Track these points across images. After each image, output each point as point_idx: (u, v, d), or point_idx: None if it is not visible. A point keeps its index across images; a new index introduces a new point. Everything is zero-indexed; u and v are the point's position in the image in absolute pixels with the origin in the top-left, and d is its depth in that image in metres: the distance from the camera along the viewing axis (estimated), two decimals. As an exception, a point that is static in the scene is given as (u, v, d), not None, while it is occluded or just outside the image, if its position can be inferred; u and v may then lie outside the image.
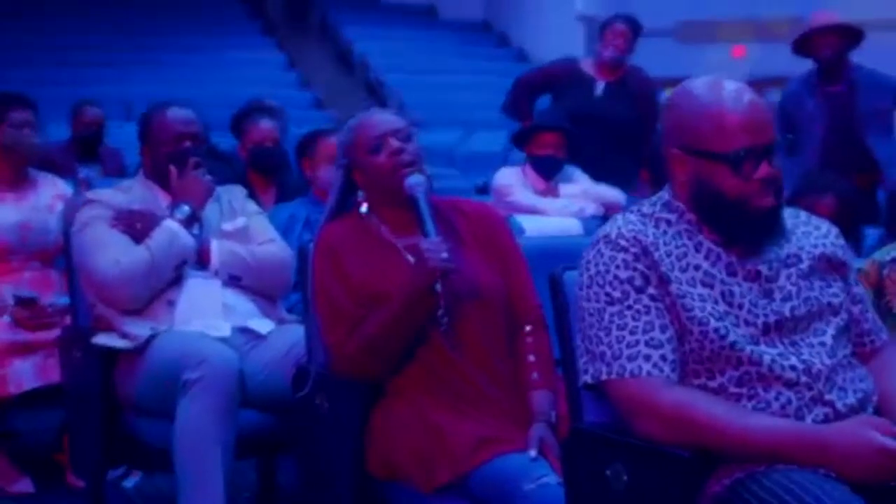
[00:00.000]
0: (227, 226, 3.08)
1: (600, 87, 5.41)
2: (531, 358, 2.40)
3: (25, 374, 3.33)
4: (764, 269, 1.94)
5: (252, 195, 3.53)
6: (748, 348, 1.87)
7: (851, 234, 2.13)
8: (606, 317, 1.91)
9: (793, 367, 1.87)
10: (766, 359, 1.87)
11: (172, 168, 3.04)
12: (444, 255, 2.29)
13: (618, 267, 1.92)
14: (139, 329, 2.85)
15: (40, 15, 12.93)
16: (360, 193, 2.51)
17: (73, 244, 3.02)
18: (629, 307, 1.90)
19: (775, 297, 1.93)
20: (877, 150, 4.90)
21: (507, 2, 16.12)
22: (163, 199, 3.07)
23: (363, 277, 2.38)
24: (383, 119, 2.51)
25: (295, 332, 2.81)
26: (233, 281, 2.97)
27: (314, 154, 3.92)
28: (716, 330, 1.87)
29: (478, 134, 10.11)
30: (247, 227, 3.11)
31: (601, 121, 5.28)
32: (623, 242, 1.93)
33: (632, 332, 1.89)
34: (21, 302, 3.44)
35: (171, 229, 2.94)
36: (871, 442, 1.72)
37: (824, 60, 4.92)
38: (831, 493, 1.68)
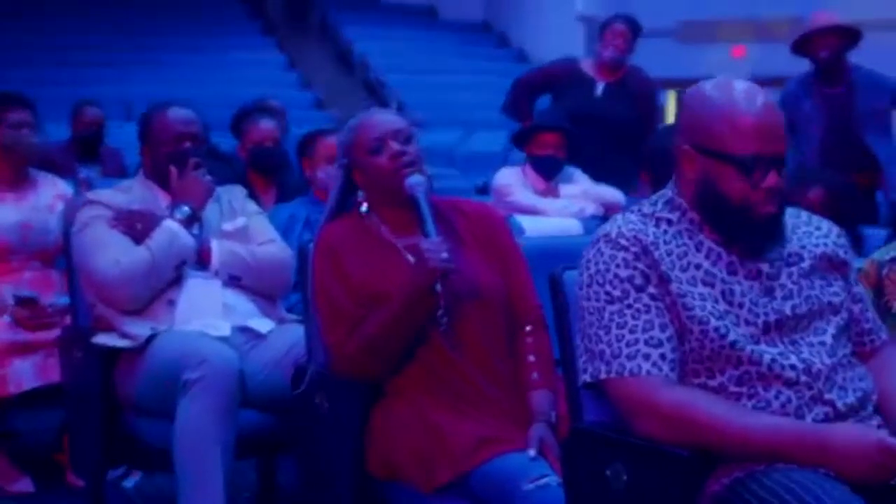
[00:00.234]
0: (228, 226, 3.08)
1: (600, 87, 5.41)
2: (531, 358, 2.40)
3: (25, 373, 3.33)
4: (765, 267, 1.94)
5: (252, 195, 3.53)
6: (748, 348, 1.87)
7: (844, 227, 2.12)
8: (606, 315, 1.91)
9: (793, 367, 1.87)
10: (766, 358, 1.87)
11: (172, 168, 3.04)
12: (445, 255, 2.29)
13: (618, 266, 1.92)
14: (139, 329, 2.85)
15: (40, 15, 12.93)
16: (361, 193, 2.51)
17: (74, 244, 3.02)
18: (629, 306, 1.90)
19: (776, 296, 1.93)
20: (875, 150, 4.89)
21: (507, 2, 16.12)
22: (163, 200, 3.07)
23: (363, 277, 2.39)
24: (384, 119, 2.51)
25: (295, 332, 2.81)
26: (233, 281, 2.97)
27: (313, 154, 3.92)
28: (716, 329, 1.87)
29: (478, 134, 10.11)
30: (247, 227, 3.11)
31: (601, 121, 5.28)
32: (623, 241, 1.93)
33: (631, 331, 1.89)
34: (21, 302, 3.44)
35: (172, 229, 2.94)
36: (871, 441, 1.73)
37: (823, 61, 4.93)
38: (831, 493, 1.68)
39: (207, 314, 2.91)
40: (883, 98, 4.96)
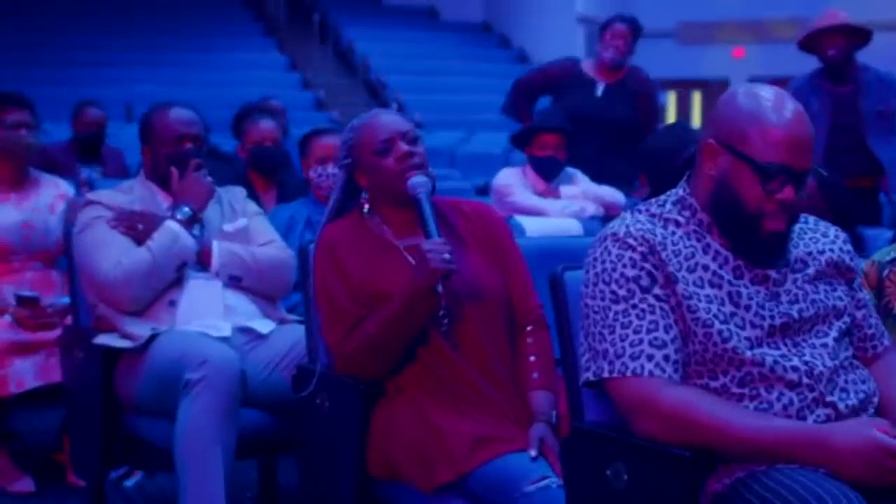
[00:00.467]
0: (228, 227, 3.08)
1: (601, 88, 5.41)
2: (532, 358, 2.40)
3: (26, 373, 3.33)
4: (772, 273, 1.94)
5: (253, 196, 3.53)
6: (749, 353, 1.87)
7: (838, 224, 2.12)
8: (611, 315, 1.91)
9: (795, 369, 1.88)
10: (769, 360, 1.87)
11: (173, 169, 3.04)
12: (447, 255, 2.29)
13: (625, 265, 1.92)
14: (140, 329, 2.85)
15: (42, 15, 12.94)
16: (364, 194, 2.51)
17: (75, 245, 3.02)
18: (634, 306, 1.90)
19: (782, 300, 1.93)
20: (879, 152, 4.87)
21: (508, 3, 16.14)
22: (163, 200, 3.07)
23: (364, 277, 2.39)
24: (391, 120, 2.50)
25: (296, 332, 2.81)
26: (233, 282, 2.97)
27: (307, 154, 3.92)
28: (719, 332, 1.87)
29: (479, 135, 10.12)
30: (247, 228, 3.11)
31: (601, 122, 5.28)
32: (631, 241, 1.93)
33: (635, 331, 1.89)
34: (22, 301, 3.44)
35: (173, 230, 2.94)
36: (871, 440, 1.73)
37: (831, 60, 4.89)
38: (832, 493, 1.68)
39: (208, 315, 2.91)
40: (890, 99, 4.93)
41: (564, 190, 4.79)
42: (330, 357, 2.46)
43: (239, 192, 3.24)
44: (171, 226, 2.95)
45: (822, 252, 2.02)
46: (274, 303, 3.07)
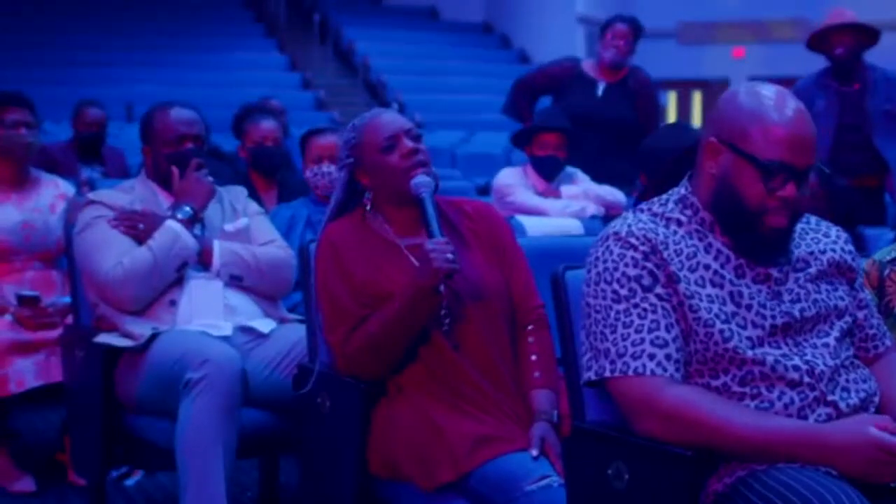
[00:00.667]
0: (229, 226, 3.08)
1: (601, 87, 5.41)
2: (533, 357, 2.40)
3: (27, 373, 3.33)
4: (774, 272, 1.94)
5: (254, 196, 3.53)
6: (750, 352, 1.87)
7: (838, 223, 2.12)
8: (612, 314, 1.91)
9: (796, 368, 1.88)
10: (770, 359, 1.87)
11: (174, 169, 3.04)
12: (450, 255, 2.29)
13: (626, 265, 1.92)
14: (141, 328, 2.85)
15: (42, 15, 12.95)
16: (366, 194, 2.50)
17: (76, 244, 3.02)
18: (636, 305, 1.90)
19: (784, 300, 1.93)
20: (886, 151, 4.86)
21: (508, 3, 16.14)
22: (164, 200, 3.07)
23: (365, 277, 2.39)
24: (394, 118, 2.50)
25: (297, 332, 2.81)
26: (234, 281, 2.98)
27: (305, 154, 3.92)
28: (721, 332, 1.87)
29: (479, 135, 10.12)
30: (248, 227, 3.11)
31: (602, 121, 5.28)
32: (633, 240, 1.93)
33: (637, 331, 1.89)
34: (23, 301, 3.44)
35: (174, 230, 2.94)
36: (870, 437, 1.73)
37: (838, 58, 4.87)
38: (833, 492, 1.69)
39: (209, 314, 2.91)
40: None
41: (565, 189, 4.79)
42: (331, 357, 2.46)
43: (240, 192, 3.24)
44: (172, 225, 2.95)
45: (823, 252, 2.02)
46: (275, 302, 3.07)
